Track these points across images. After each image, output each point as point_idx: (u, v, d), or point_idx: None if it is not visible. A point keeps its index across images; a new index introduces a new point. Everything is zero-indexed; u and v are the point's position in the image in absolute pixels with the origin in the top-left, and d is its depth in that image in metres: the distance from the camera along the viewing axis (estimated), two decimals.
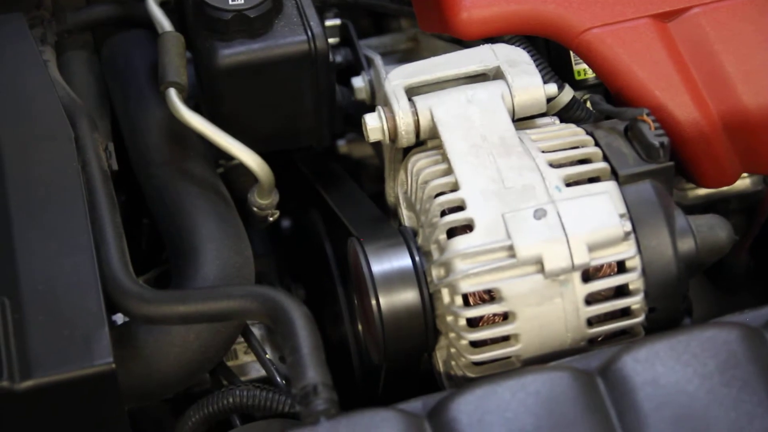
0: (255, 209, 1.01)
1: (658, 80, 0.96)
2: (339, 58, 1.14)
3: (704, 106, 0.96)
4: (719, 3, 0.96)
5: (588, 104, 0.99)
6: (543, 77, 0.94)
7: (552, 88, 0.93)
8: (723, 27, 0.96)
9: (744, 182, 1.12)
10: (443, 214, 0.87)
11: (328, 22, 1.14)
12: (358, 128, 0.95)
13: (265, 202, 1.01)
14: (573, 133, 0.91)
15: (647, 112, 0.90)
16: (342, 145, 1.27)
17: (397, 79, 0.93)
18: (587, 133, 0.91)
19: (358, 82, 1.08)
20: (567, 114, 0.98)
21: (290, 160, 1.15)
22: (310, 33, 0.98)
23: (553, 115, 0.97)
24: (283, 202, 1.03)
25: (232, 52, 0.97)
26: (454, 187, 0.87)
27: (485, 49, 0.94)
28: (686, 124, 0.96)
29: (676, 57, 0.96)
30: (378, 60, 1.06)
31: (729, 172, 1.00)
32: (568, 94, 0.97)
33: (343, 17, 1.18)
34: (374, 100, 1.07)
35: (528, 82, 0.91)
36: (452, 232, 0.86)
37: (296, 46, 0.98)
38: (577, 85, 1.03)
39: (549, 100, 0.93)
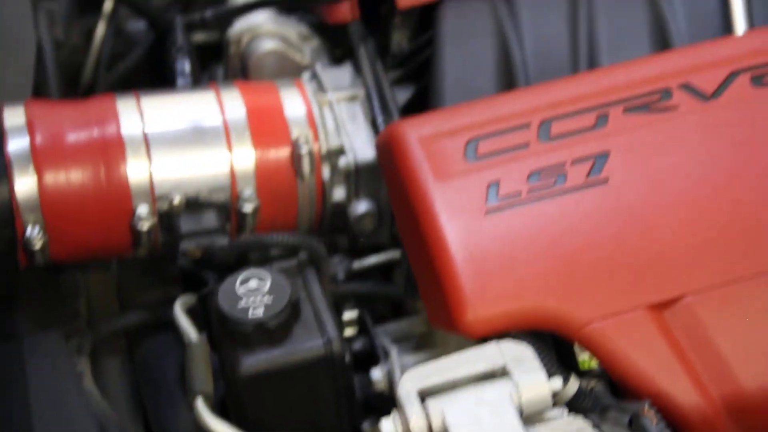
0: None
1: (658, 369, 0.98)
2: (358, 346, 1.18)
3: (705, 391, 0.98)
4: (712, 291, 1.01)
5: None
6: (549, 370, 0.97)
7: (557, 382, 0.95)
8: (717, 312, 1.00)
9: None
10: None
11: (346, 315, 1.19)
12: (379, 414, 0.98)
13: None
14: (579, 428, 0.93)
15: (648, 404, 0.93)
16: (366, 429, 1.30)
17: (410, 382, 0.96)
18: (594, 426, 0.94)
19: (377, 374, 1.11)
20: (575, 404, 1.00)
21: None
22: (326, 337, 1.03)
23: (564, 405, 1.00)
24: None
25: (254, 361, 1.01)
26: None
27: (492, 347, 0.98)
28: (689, 410, 0.97)
29: (673, 344, 0.99)
30: (394, 353, 1.10)
31: None
32: (574, 385, 0.99)
33: (360, 304, 1.24)
34: (392, 390, 1.11)
35: (533, 380, 0.93)
36: None
37: (314, 351, 1.02)
38: (582, 373, 1.06)
39: (556, 393, 0.97)
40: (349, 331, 1.16)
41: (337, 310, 1.16)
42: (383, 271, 1.27)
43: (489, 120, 1.08)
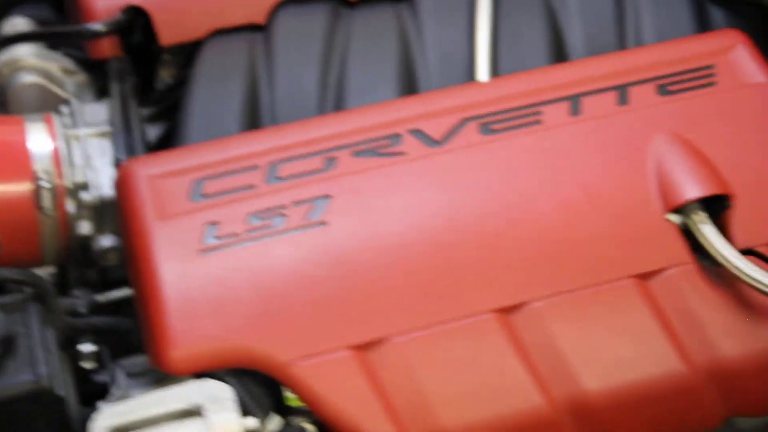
0: None
1: (359, 410, 0.97)
2: (98, 380, 1.17)
3: (405, 429, 0.99)
4: (416, 334, 1.01)
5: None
6: (249, 410, 0.97)
7: (251, 422, 0.95)
8: (421, 355, 0.99)
9: None
10: None
11: (85, 348, 1.18)
12: None
13: None
14: None
15: None
16: None
17: (105, 419, 0.95)
18: None
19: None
20: None
21: None
22: (36, 373, 0.99)
23: None
24: None
25: None
26: None
27: (192, 386, 0.97)
28: None
29: (377, 386, 0.98)
30: (121, 388, 1.09)
31: None
32: (275, 423, 0.99)
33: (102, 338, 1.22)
34: None
35: (225, 419, 0.93)
36: None
37: (22, 387, 0.99)
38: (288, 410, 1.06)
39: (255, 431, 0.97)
40: (89, 365, 1.15)
41: (73, 344, 1.15)
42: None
43: (220, 160, 1.09)
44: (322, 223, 1.04)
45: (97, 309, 1.16)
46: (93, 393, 1.12)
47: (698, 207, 1.05)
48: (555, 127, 1.10)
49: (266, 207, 1.05)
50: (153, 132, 1.25)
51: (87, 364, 1.13)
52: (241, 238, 1.03)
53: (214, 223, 1.04)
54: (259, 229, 1.04)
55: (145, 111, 1.27)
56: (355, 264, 1.02)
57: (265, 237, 1.03)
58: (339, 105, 1.23)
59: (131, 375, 1.13)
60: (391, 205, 1.05)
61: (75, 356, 1.12)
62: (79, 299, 1.15)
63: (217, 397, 0.95)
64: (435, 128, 1.11)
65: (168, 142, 1.24)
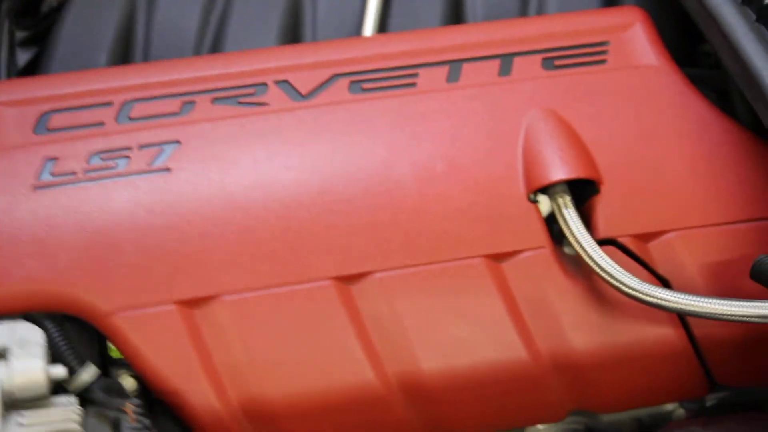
0: None
1: (176, 367, 0.92)
2: None
3: (223, 394, 0.93)
4: (246, 295, 0.96)
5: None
6: (61, 357, 0.93)
7: (59, 370, 0.90)
8: (243, 318, 0.94)
9: None
10: None
11: None
12: None
13: None
14: (63, 418, 0.88)
15: (135, 403, 0.88)
16: None
17: None
18: (81, 421, 0.89)
19: None
20: (90, 394, 0.95)
21: None
22: None
23: (76, 393, 0.94)
24: None
25: None
26: None
27: (3, 327, 0.93)
28: (201, 411, 0.92)
29: (199, 344, 0.94)
30: None
31: None
32: (89, 374, 0.94)
33: None
34: None
35: (28, 366, 0.88)
36: None
37: None
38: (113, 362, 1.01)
39: (64, 380, 0.92)
40: None
41: None
42: None
43: (73, 93, 1.02)
44: (166, 169, 0.98)
45: None
46: None
47: (563, 190, 0.98)
48: (429, 92, 1.03)
49: (111, 147, 0.99)
50: (25, 57, 1.19)
51: None
52: (78, 178, 0.97)
53: (53, 159, 0.97)
54: (99, 170, 0.97)
55: (23, 32, 1.20)
56: (193, 216, 0.96)
57: (104, 179, 0.97)
58: (216, 48, 1.16)
59: None
60: (241, 159, 0.99)
61: None
62: None
63: (26, 341, 0.90)
64: (303, 81, 1.04)
65: (36, 68, 1.18)
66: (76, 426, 0.86)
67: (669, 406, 1.08)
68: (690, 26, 1.09)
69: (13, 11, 1.20)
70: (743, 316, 0.89)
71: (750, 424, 0.90)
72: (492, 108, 1.02)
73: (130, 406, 0.86)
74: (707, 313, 0.90)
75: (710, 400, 1.07)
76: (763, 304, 0.88)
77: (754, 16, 0.99)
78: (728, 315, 0.89)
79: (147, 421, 0.86)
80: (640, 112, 1.03)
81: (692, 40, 1.12)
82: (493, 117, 1.02)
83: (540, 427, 1.08)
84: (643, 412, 1.09)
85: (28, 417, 0.87)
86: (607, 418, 1.09)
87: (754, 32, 0.97)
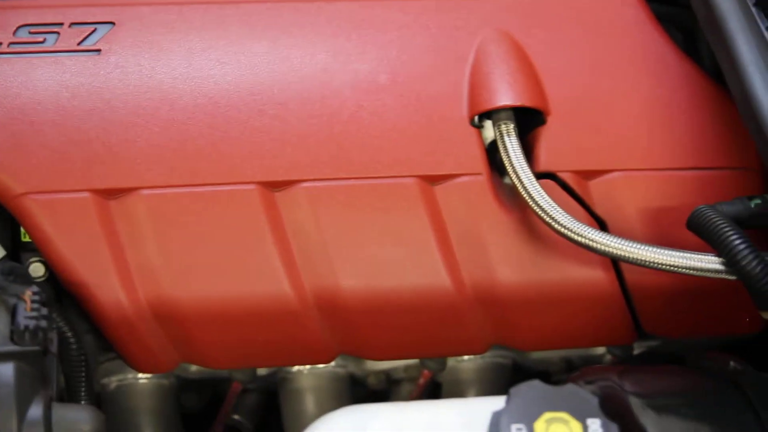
0: None
1: (85, 257, 0.88)
2: None
3: (131, 289, 0.89)
4: (162, 190, 0.91)
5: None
6: None
7: None
8: (158, 214, 0.88)
9: None
10: None
11: None
12: None
13: None
14: None
15: (34, 291, 0.84)
16: None
17: None
18: None
19: None
20: None
21: None
22: None
23: None
24: None
25: None
26: None
27: None
28: (107, 305, 0.88)
29: (111, 236, 0.89)
30: None
31: (161, 359, 0.94)
32: None
33: None
34: None
35: None
36: None
37: None
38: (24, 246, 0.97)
39: None
40: None
41: None
42: None
43: None
44: (97, 50, 0.91)
45: None
46: None
47: (508, 117, 0.92)
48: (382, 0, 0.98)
49: (41, 21, 0.93)
50: None
51: None
52: (2, 50, 0.91)
53: None
54: (26, 44, 0.91)
55: None
56: (118, 103, 0.89)
57: (30, 54, 0.91)
58: None
59: None
60: (175, 48, 0.92)
61: None
62: None
63: None
64: None
65: None
66: None
67: (599, 350, 1.05)
68: None
69: None
70: (674, 266, 0.84)
71: (666, 377, 0.86)
72: (445, 23, 0.95)
73: (29, 293, 0.81)
74: (638, 259, 0.84)
75: (638, 347, 1.04)
76: (695, 255, 0.83)
77: None
78: (659, 264, 0.84)
79: (45, 311, 0.81)
80: (598, 43, 0.96)
81: None
82: (445, 33, 0.95)
83: (465, 358, 1.05)
84: (573, 353, 1.06)
85: None
86: (536, 355, 1.06)
87: None
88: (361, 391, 1.07)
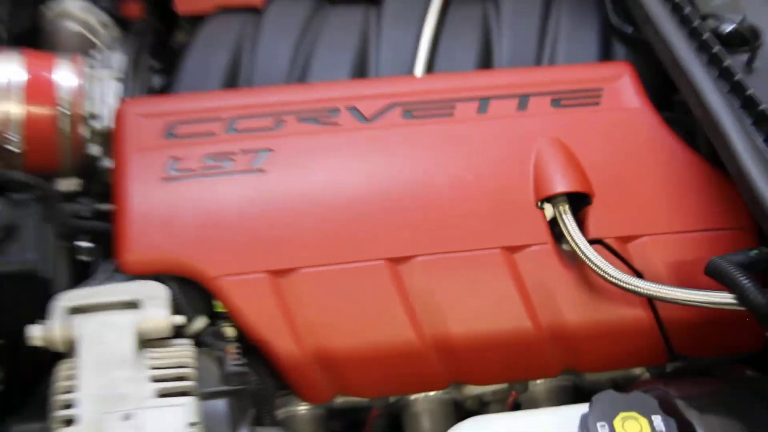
0: None
1: (264, 321, 1.03)
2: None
3: (300, 343, 1.03)
4: (319, 269, 1.04)
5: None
6: (180, 309, 1.01)
7: (178, 319, 1.00)
8: (314, 287, 1.01)
9: None
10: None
11: (83, 244, 1.22)
12: None
13: None
14: (181, 355, 0.97)
15: (236, 347, 0.97)
16: None
17: (63, 301, 1.00)
18: (194, 357, 0.98)
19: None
20: (198, 338, 1.04)
21: None
22: (28, 256, 1.03)
23: (190, 337, 1.04)
24: None
25: None
26: (71, 389, 0.93)
27: (137, 284, 1.02)
28: (284, 356, 1.03)
29: (281, 303, 1.03)
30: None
31: (323, 392, 1.07)
32: (201, 323, 1.04)
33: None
34: None
35: (156, 314, 0.99)
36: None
37: (12, 266, 1.05)
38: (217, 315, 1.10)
39: (182, 326, 1.01)
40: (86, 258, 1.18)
41: (72, 239, 1.18)
42: None
43: (193, 109, 1.14)
44: (261, 170, 1.08)
45: (98, 215, 1.19)
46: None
47: (564, 199, 1.08)
48: (463, 120, 1.14)
49: (220, 152, 1.09)
50: (159, 82, 1.29)
51: (84, 258, 1.16)
52: (195, 173, 1.07)
53: (176, 158, 1.08)
54: (211, 168, 1.08)
55: (157, 64, 1.30)
56: (281, 206, 1.07)
57: (215, 175, 1.08)
58: (302, 79, 1.27)
59: (117, 270, 1.17)
60: (319, 164, 1.09)
61: (74, 250, 1.15)
62: (84, 206, 1.19)
63: (154, 295, 1.00)
64: (367, 108, 1.14)
65: (166, 90, 1.27)
66: (190, 361, 0.95)
67: (637, 371, 1.18)
68: (667, 78, 1.16)
69: (148, 47, 1.29)
70: (698, 302, 0.98)
71: (702, 385, 0.98)
72: (511, 135, 1.12)
73: (231, 349, 0.95)
74: (670, 298, 0.99)
75: (669, 366, 1.17)
76: (713, 293, 0.97)
77: (716, 72, 1.06)
78: (686, 300, 0.98)
79: (244, 360, 0.94)
80: (624, 143, 1.11)
81: (669, 89, 1.19)
82: (511, 141, 1.11)
83: (538, 381, 1.16)
84: (617, 374, 1.19)
85: (155, 352, 0.95)
86: (589, 377, 1.18)
87: (716, 85, 1.04)
88: (460, 412, 1.17)
